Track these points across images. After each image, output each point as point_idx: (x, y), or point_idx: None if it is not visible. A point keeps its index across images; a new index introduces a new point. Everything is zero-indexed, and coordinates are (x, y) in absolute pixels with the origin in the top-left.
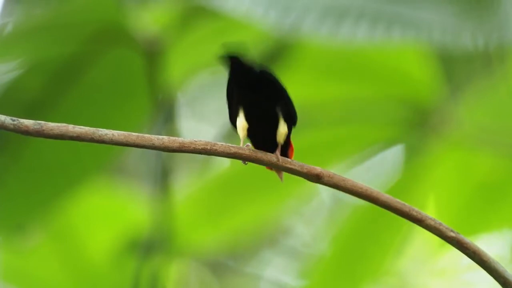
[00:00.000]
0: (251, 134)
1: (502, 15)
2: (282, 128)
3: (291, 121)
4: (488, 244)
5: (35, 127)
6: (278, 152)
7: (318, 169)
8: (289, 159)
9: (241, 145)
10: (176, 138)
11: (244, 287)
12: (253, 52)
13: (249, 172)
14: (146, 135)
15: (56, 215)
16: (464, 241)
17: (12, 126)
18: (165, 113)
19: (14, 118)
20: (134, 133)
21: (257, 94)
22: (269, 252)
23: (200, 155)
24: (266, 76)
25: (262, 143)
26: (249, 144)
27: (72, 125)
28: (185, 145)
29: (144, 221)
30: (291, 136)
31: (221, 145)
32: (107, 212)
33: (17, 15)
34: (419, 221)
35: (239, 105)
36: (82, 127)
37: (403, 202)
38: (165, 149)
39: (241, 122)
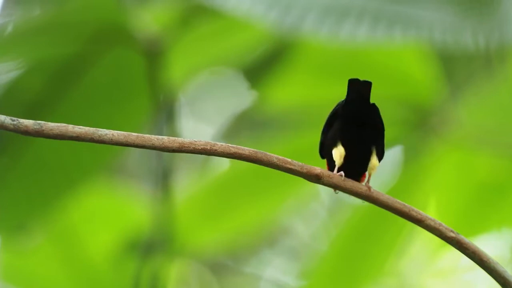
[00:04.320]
0: (345, 162)
1: (502, 14)
2: (374, 161)
3: (381, 158)
4: (488, 244)
5: (35, 127)
6: (367, 182)
7: (317, 169)
8: (288, 159)
9: (335, 171)
10: (176, 138)
11: (244, 287)
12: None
13: (249, 172)
14: (146, 135)
15: (57, 215)
16: (464, 242)
17: (12, 126)
18: (165, 113)
19: (14, 118)
20: (133, 133)
21: (361, 131)
22: (269, 252)
23: (200, 155)
24: (374, 115)
25: (351, 171)
26: (343, 173)
27: (72, 125)
28: (184, 145)
29: (145, 222)
30: None
31: (221, 145)
32: (108, 212)
33: (17, 15)
34: (419, 222)
35: (339, 136)
36: (81, 127)
37: (403, 202)
38: (164, 149)
39: (340, 151)
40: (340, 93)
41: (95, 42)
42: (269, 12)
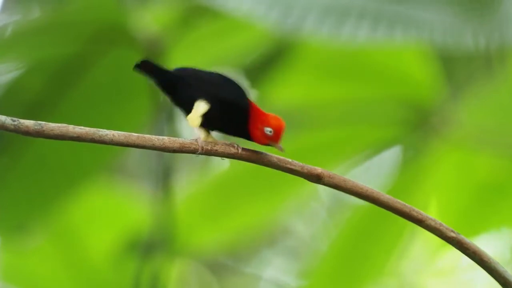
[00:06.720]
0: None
1: (502, 15)
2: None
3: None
4: (488, 244)
5: (36, 127)
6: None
7: (318, 169)
8: (289, 160)
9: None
10: (177, 138)
11: (244, 287)
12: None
13: (249, 172)
14: (146, 136)
15: (57, 215)
16: (464, 242)
17: (12, 127)
18: (166, 113)
19: (14, 118)
20: (134, 134)
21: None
22: (269, 252)
23: (200, 155)
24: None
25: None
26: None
27: (73, 126)
28: (185, 146)
29: (145, 221)
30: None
31: (221, 145)
32: (108, 212)
33: (18, 15)
34: (420, 222)
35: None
36: (82, 127)
37: (403, 202)
38: (165, 150)
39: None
40: (340, 94)
41: (95, 42)
42: (269, 13)
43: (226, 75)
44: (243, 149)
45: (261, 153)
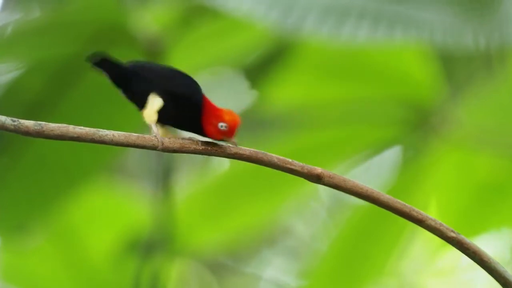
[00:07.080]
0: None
1: (502, 15)
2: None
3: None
4: (488, 244)
5: (36, 127)
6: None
7: (318, 169)
8: (289, 159)
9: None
10: (176, 138)
11: (244, 287)
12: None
13: (249, 172)
14: (146, 136)
15: (57, 215)
16: (464, 242)
17: (12, 127)
18: None
19: (14, 118)
20: (134, 134)
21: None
22: (269, 252)
23: (200, 155)
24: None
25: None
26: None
27: (73, 126)
28: (185, 146)
29: (145, 221)
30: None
31: (221, 145)
32: (108, 212)
33: (18, 15)
34: (420, 222)
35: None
36: (82, 127)
37: (403, 202)
38: (165, 150)
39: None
40: (340, 94)
41: (95, 42)
42: (269, 13)
43: (180, 70)
44: (203, 142)
45: (261, 153)
